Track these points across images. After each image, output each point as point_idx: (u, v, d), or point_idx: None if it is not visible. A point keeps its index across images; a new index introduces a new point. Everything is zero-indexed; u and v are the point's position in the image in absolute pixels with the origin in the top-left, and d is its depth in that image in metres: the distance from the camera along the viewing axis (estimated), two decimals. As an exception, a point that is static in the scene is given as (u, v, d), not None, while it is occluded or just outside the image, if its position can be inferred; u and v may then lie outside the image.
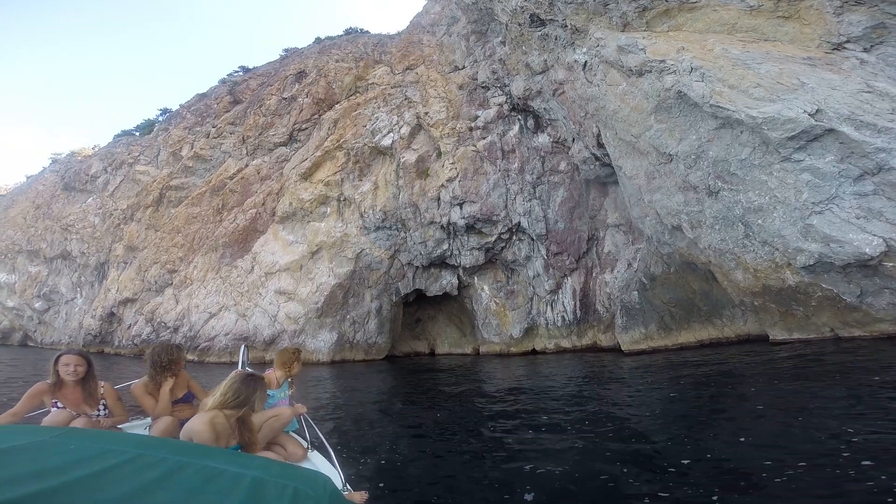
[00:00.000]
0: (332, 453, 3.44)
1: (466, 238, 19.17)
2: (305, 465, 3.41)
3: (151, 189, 33.65)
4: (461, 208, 18.97)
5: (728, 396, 7.54)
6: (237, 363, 4.58)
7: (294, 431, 4.08)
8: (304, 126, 28.37)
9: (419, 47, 26.59)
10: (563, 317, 17.13)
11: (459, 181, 19.18)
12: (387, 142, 22.20)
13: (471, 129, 20.33)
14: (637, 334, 14.27)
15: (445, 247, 19.56)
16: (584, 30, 14.53)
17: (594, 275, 17.29)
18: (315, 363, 19.12)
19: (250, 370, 4.54)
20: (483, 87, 21.50)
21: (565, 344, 16.76)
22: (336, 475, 3.13)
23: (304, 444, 3.77)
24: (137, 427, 3.93)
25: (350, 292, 20.92)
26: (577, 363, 13.89)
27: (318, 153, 24.97)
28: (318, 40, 36.53)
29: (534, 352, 17.29)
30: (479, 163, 19.39)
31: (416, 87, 23.79)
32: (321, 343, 20.24)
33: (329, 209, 23.31)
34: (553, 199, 18.32)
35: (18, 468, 1.48)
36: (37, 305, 35.19)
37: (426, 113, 21.78)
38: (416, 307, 22.27)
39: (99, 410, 3.68)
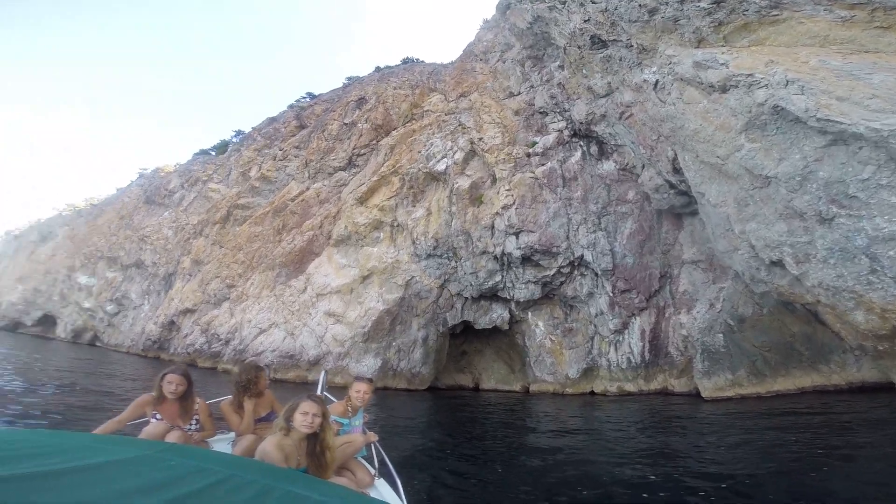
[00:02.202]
0: (400, 484, 3.46)
1: (521, 270, 17.97)
2: (372, 492, 3.52)
3: (220, 206, 35.63)
4: (517, 238, 17.90)
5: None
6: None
7: (362, 457, 4.16)
8: (362, 151, 29.06)
9: (472, 74, 26.67)
10: (628, 358, 15.27)
11: (516, 209, 18.24)
12: (441, 167, 21.94)
13: (528, 155, 19.53)
14: (722, 380, 12.44)
15: (498, 278, 18.46)
16: (652, 48, 13.50)
17: (667, 315, 15.40)
18: (356, 389, 18.37)
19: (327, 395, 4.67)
20: (541, 113, 20.80)
21: (630, 388, 14.90)
22: None
23: (372, 470, 3.88)
24: (222, 441, 4.25)
25: (398, 319, 20.26)
26: (649, 407, 12.16)
27: (375, 178, 25.23)
28: (377, 69, 38.06)
29: (592, 393, 15.51)
30: (538, 190, 18.41)
31: (469, 114, 23.60)
32: (364, 368, 19.56)
33: (382, 234, 23.17)
34: (620, 231, 16.83)
35: (127, 482, 1.63)
36: (108, 308, 37.76)
37: (480, 139, 21.35)
38: (463, 339, 21.11)
39: (191, 424, 4.02)
